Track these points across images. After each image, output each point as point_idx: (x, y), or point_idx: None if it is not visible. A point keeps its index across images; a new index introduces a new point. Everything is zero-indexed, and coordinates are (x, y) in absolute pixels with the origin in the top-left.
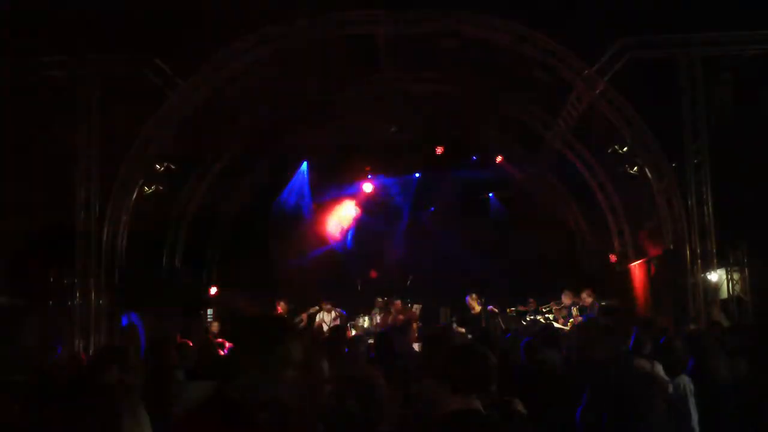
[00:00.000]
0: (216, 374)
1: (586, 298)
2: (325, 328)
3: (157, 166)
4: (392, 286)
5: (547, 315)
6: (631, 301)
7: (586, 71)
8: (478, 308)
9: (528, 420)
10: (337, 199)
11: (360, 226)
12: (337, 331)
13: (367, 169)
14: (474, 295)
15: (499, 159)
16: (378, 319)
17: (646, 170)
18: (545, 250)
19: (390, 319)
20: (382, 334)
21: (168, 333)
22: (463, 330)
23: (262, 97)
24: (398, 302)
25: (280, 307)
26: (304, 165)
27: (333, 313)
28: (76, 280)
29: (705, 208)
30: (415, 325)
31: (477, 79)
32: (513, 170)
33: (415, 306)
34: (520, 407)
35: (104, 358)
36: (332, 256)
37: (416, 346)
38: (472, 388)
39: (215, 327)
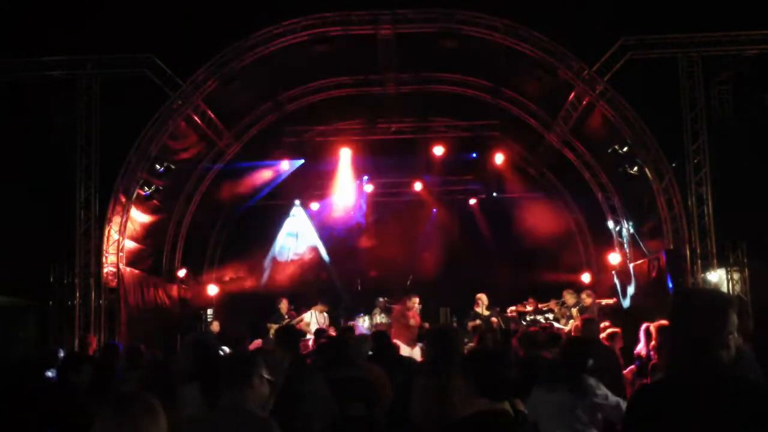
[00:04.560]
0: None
1: (586, 299)
2: (314, 328)
3: (157, 166)
4: (392, 286)
5: (547, 315)
6: (631, 301)
7: (586, 71)
8: (487, 312)
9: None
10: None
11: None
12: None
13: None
14: (483, 296)
15: (500, 159)
16: (378, 319)
17: (646, 170)
18: (545, 251)
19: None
20: (381, 333)
21: None
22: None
23: (261, 97)
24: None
25: (282, 307)
26: (298, 164)
27: (326, 316)
28: (76, 280)
29: (705, 208)
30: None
31: (477, 79)
32: (513, 169)
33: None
34: (521, 406)
35: (75, 359)
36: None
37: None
38: (500, 393)
39: (215, 327)
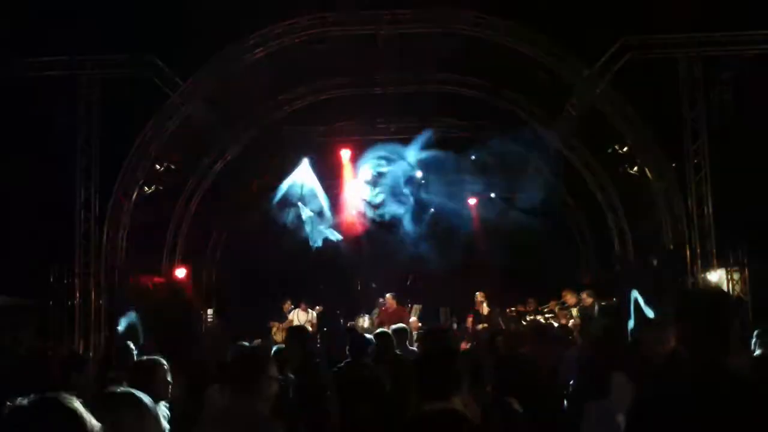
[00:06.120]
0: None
1: (587, 299)
2: None
3: (157, 166)
4: (392, 286)
5: (547, 315)
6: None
7: (586, 71)
8: (486, 309)
9: (525, 418)
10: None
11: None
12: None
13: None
14: (482, 294)
15: (499, 159)
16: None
17: (646, 170)
18: (545, 251)
19: (378, 320)
20: (381, 333)
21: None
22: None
23: (261, 97)
24: (389, 297)
25: (285, 306)
26: (305, 163)
27: (309, 314)
28: (76, 280)
29: (705, 208)
30: (415, 325)
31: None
32: (512, 169)
33: (415, 306)
34: (517, 406)
35: (77, 359)
36: (333, 255)
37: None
38: (438, 393)
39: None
